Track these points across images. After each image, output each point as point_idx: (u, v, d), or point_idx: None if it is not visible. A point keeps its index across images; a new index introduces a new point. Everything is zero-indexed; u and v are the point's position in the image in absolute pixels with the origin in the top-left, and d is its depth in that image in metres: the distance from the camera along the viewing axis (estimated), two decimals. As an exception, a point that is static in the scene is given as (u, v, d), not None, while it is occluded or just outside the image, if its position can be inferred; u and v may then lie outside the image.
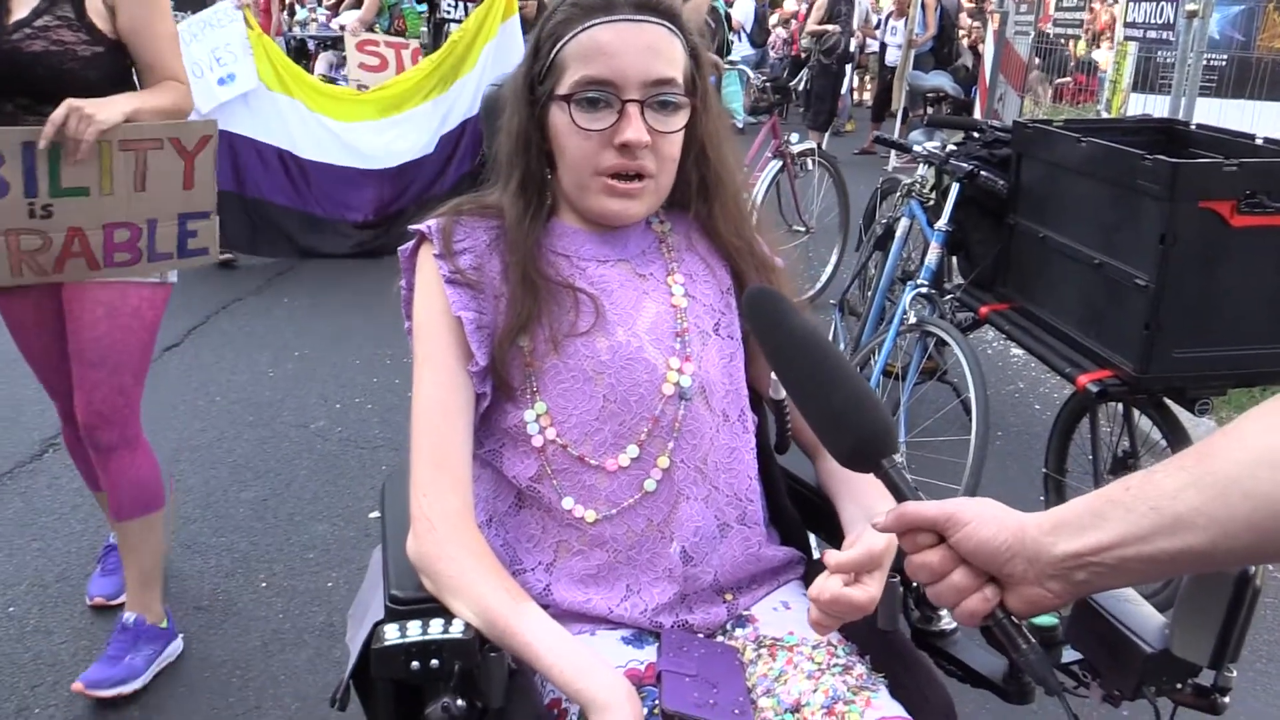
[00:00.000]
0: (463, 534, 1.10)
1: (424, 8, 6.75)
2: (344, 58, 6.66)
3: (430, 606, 1.08)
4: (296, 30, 13.73)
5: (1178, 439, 2.42)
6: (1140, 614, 0.88)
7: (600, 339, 1.15)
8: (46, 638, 2.44)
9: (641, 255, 1.23)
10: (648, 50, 1.12)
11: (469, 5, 6.32)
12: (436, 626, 1.02)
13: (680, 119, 1.15)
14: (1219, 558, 0.67)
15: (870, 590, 0.95)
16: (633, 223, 1.20)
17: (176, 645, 2.37)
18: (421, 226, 1.19)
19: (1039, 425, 3.73)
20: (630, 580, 1.16)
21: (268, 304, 5.08)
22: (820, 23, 9.64)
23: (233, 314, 5.00)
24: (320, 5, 15.53)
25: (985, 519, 0.76)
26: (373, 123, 5.72)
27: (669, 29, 1.14)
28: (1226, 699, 0.88)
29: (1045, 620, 0.94)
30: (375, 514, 3.04)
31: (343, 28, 7.64)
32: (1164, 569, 0.69)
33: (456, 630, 1.01)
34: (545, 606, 1.17)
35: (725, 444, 1.21)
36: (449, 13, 6.34)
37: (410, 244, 1.20)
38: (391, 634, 1.01)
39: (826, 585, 0.94)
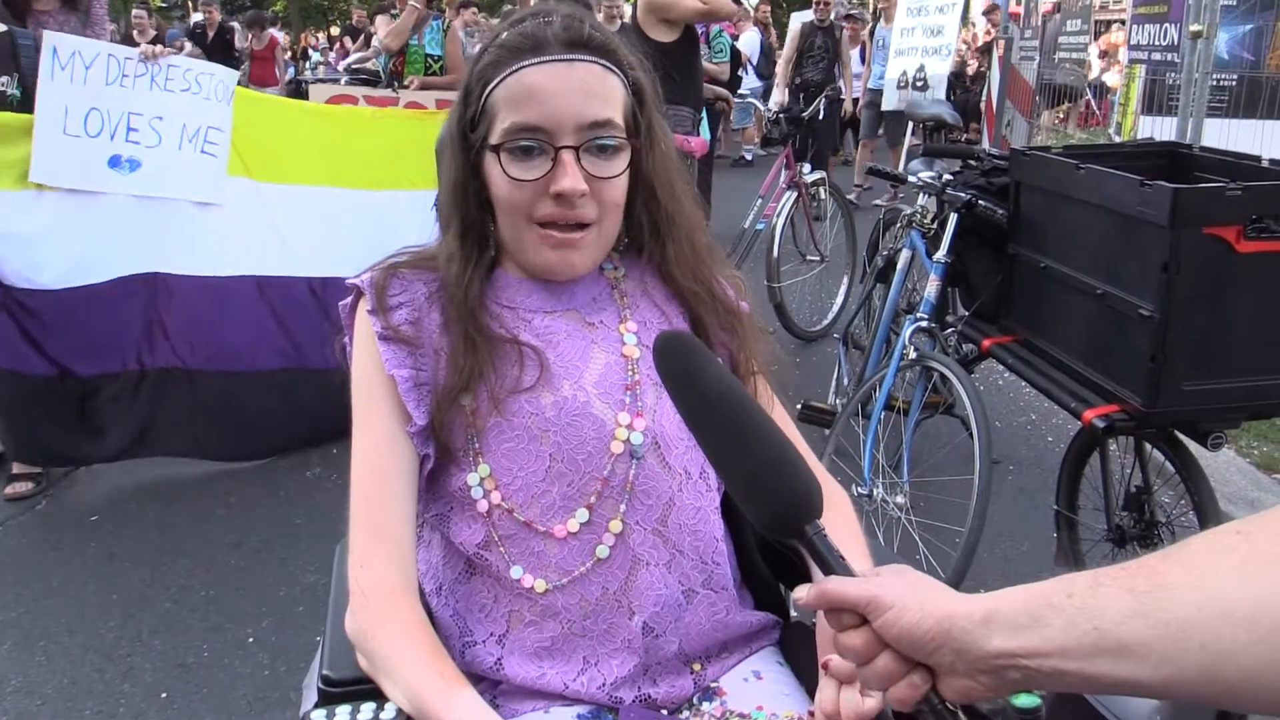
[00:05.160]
0: (399, 609, 1.02)
1: (439, 51, 6.52)
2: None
3: (363, 688, 1.01)
4: (307, 74, 13.89)
5: (1191, 474, 2.32)
6: (1129, 701, 0.80)
7: (545, 395, 1.08)
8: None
9: (592, 303, 1.15)
10: (581, 91, 1.04)
11: None
12: (367, 712, 0.94)
13: (620, 162, 1.08)
14: (1170, 694, 0.61)
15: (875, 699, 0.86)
16: (577, 276, 1.13)
17: None
18: (357, 281, 1.12)
19: (1052, 458, 3.61)
20: (587, 652, 1.08)
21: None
22: (789, 57, 9.18)
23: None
24: (332, 49, 15.71)
25: (908, 605, 0.69)
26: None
27: (604, 66, 1.06)
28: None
29: (1027, 701, 0.86)
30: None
31: (349, 68, 7.57)
32: (1107, 689, 0.61)
33: (387, 716, 0.94)
34: (498, 682, 1.10)
35: (690, 503, 1.12)
36: None
37: (349, 299, 1.14)
38: (318, 721, 0.94)
39: (844, 701, 0.86)
